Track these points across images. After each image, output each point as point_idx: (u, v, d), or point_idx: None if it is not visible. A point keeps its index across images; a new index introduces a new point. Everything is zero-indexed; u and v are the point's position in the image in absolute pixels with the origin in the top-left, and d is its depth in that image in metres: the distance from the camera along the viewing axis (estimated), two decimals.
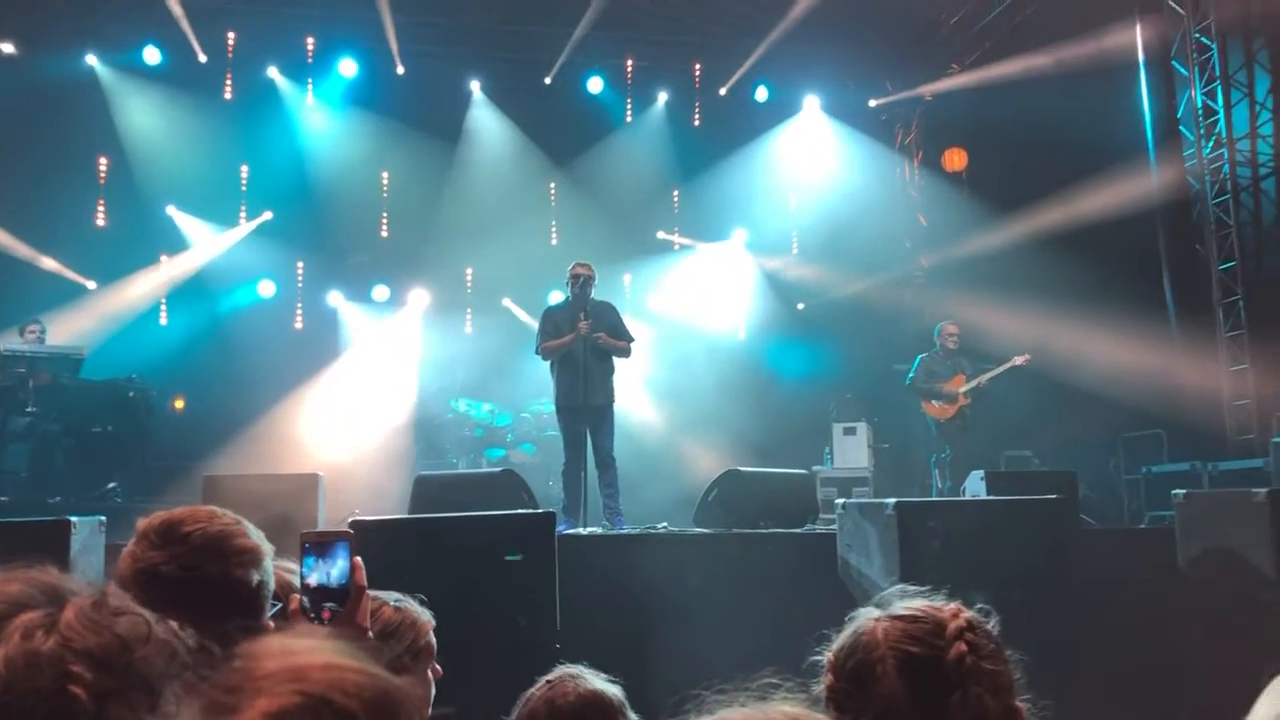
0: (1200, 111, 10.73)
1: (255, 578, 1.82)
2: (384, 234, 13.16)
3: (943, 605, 1.68)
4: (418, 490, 7.00)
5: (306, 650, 1.07)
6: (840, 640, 1.66)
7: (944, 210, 13.28)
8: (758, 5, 12.10)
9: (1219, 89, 10.54)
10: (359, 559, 1.78)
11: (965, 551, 5.55)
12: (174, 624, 1.23)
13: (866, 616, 1.67)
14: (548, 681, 2.41)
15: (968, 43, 12.82)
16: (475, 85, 13.12)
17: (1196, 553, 6.41)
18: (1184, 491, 6.75)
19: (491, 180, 12.87)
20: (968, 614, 1.66)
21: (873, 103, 13.94)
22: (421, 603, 2.44)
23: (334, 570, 1.76)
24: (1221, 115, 10.51)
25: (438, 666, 2.40)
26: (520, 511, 6.19)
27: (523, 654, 4.90)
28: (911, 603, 1.68)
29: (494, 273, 12.86)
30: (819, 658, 1.67)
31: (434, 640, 2.40)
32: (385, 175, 13.07)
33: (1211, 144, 10.62)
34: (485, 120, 13.15)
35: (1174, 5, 10.94)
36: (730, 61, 13.10)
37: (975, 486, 7.64)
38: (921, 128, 14.11)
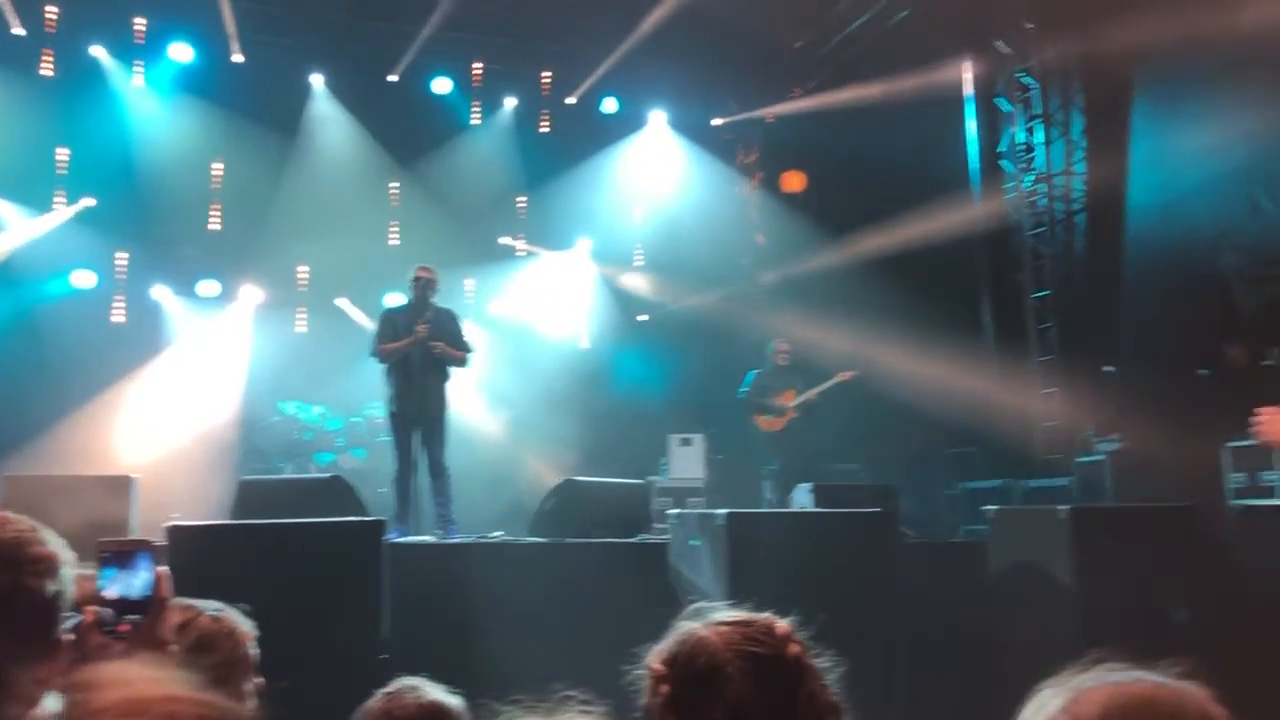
0: (1021, 147, 11.38)
1: (50, 588, 1.69)
2: (215, 226, 12.57)
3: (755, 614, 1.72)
4: (241, 495, 6.78)
5: (145, 681, 1.05)
6: (668, 650, 1.67)
7: (781, 230, 13.58)
8: (609, 18, 12.15)
9: (1039, 127, 11.20)
10: (165, 569, 1.69)
11: (792, 561, 5.75)
12: None
13: (689, 626, 1.68)
14: (386, 693, 2.35)
15: (810, 68, 13.21)
16: (317, 78, 12.70)
17: (1006, 564, 6.77)
18: (995, 507, 7.12)
19: (330, 176, 12.45)
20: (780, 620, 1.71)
21: (716, 121, 14.19)
22: (245, 613, 2.33)
23: (137, 581, 1.66)
24: (1040, 152, 11.16)
25: (259, 679, 2.30)
26: (347, 519, 6.06)
27: (349, 664, 4.78)
28: (730, 612, 1.71)
29: (330, 271, 12.45)
30: (639, 671, 1.67)
31: (255, 651, 2.29)
32: (218, 166, 12.50)
33: (1030, 179, 11.27)
34: (326, 115, 12.72)
35: (1000, 45, 11.56)
36: (580, 71, 13.11)
37: (803, 498, 7.86)
38: (762, 149, 14.44)
